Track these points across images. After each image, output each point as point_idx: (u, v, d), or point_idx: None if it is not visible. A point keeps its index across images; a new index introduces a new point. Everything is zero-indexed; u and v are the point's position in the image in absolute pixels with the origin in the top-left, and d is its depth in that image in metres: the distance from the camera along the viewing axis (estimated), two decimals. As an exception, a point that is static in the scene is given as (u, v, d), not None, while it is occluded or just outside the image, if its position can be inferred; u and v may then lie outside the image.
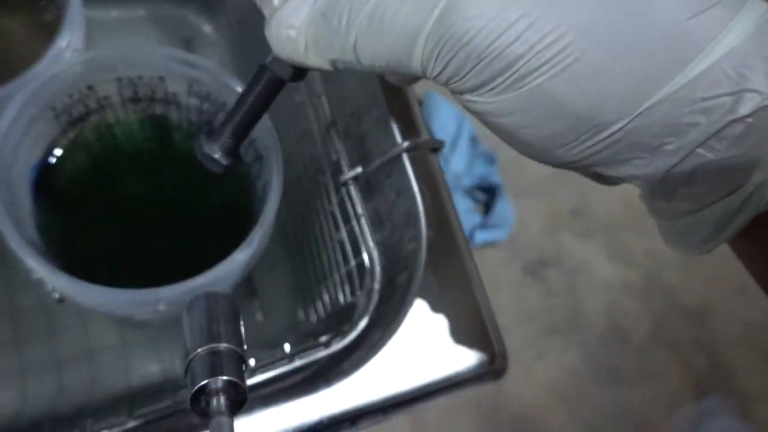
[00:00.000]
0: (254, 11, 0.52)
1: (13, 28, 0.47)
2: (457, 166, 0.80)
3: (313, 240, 0.48)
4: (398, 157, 0.39)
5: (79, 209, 0.42)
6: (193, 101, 0.42)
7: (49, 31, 0.46)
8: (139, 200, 0.44)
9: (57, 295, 0.38)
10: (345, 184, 0.41)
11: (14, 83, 0.36)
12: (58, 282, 0.32)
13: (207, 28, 0.57)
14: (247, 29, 0.54)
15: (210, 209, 0.45)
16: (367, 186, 0.42)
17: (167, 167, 0.45)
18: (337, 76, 0.44)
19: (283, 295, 0.50)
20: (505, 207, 0.82)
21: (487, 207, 0.84)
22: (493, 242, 0.83)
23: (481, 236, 0.81)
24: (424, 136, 0.39)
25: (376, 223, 0.41)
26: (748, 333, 0.97)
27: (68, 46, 0.38)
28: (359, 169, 0.40)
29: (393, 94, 0.40)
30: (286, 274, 0.52)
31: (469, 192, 0.83)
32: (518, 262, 0.85)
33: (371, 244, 0.40)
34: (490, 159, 0.84)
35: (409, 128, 0.40)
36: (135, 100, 0.42)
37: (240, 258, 0.35)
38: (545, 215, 0.89)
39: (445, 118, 0.85)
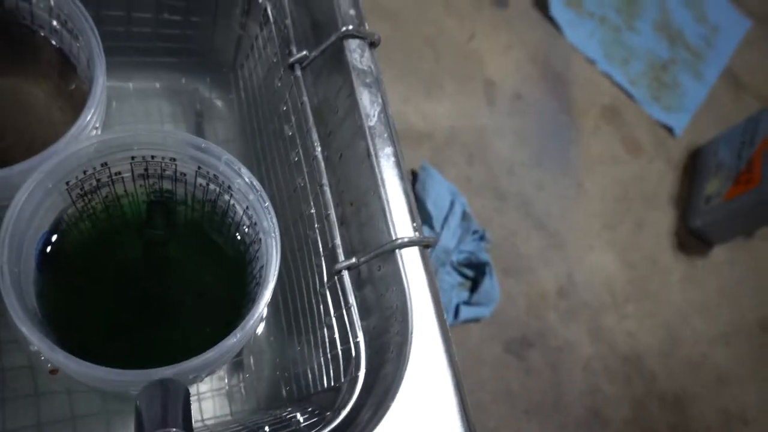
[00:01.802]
0: (261, 90, 0.55)
1: (37, 94, 0.49)
2: (448, 241, 0.83)
3: (302, 319, 0.49)
4: (392, 251, 0.41)
5: (80, 280, 0.43)
6: (200, 181, 0.44)
7: (71, 99, 0.49)
8: (139, 274, 0.46)
9: (49, 365, 0.39)
10: (339, 272, 0.42)
11: (36, 158, 0.38)
12: (54, 357, 0.34)
13: (218, 103, 0.60)
14: (254, 106, 0.56)
15: (207, 287, 0.47)
16: (360, 275, 0.44)
17: (169, 241, 0.47)
18: (342, 166, 0.47)
19: (268, 371, 0.51)
20: (491, 284, 0.84)
21: (474, 283, 0.86)
22: (478, 318, 0.84)
23: (465, 312, 0.82)
24: (418, 233, 0.41)
25: (365, 312, 0.43)
26: (726, 423, 0.98)
27: (89, 125, 0.40)
28: (353, 260, 0.42)
29: (392, 187, 0.43)
30: (273, 350, 0.53)
31: (458, 267, 0.85)
32: (501, 340, 0.86)
33: (359, 334, 0.41)
34: (479, 236, 0.86)
35: (405, 223, 0.42)
36: (145, 176, 0.44)
37: (233, 342, 0.36)
38: (531, 294, 0.91)
39: (439, 193, 0.87)
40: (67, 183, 0.40)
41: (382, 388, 0.38)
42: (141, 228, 0.46)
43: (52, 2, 0.43)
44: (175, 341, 0.45)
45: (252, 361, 0.52)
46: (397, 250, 0.41)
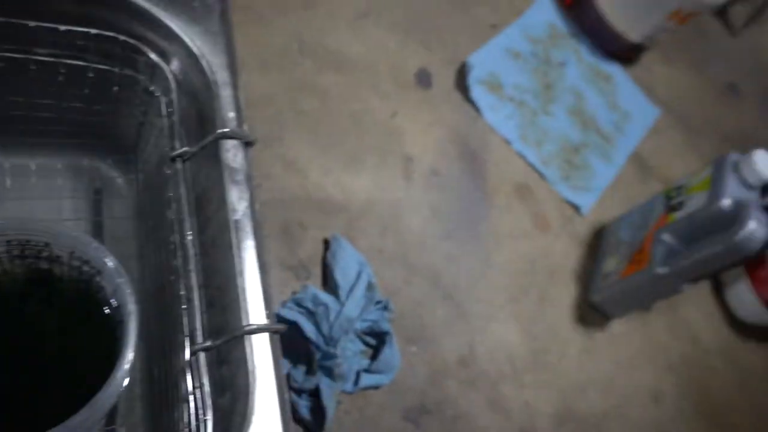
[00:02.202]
0: (155, 175, 0.59)
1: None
2: (351, 311, 0.87)
3: (170, 389, 0.52)
4: (242, 336, 0.45)
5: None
6: (75, 263, 0.48)
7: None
8: (16, 345, 0.49)
9: None
10: (195, 353, 0.46)
11: None
12: None
13: (119, 181, 0.64)
14: (150, 188, 0.61)
15: (79, 358, 0.50)
16: (219, 355, 0.48)
17: (47, 316, 0.50)
18: (213, 252, 0.51)
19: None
20: (391, 353, 0.88)
21: (376, 351, 0.90)
22: (378, 386, 0.88)
23: (366, 379, 0.86)
24: (269, 321, 0.46)
25: (220, 391, 0.47)
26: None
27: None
28: (209, 342, 0.46)
29: (251, 277, 0.47)
30: (147, 415, 0.56)
31: (360, 335, 0.89)
32: (400, 407, 0.90)
33: (209, 413, 0.45)
34: (383, 305, 0.91)
35: (258, 310, 0.46)
36: (22, 257, 0.48)
37: (100, 401, 0.39)
38: (433, 363, 0.95)
39: (347, 263, 0.92)
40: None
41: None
42: (14, 305, 0.50)
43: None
44: (46, 410, 0.48)
45: (127, 425, 0.55)
46: (246, 336, 0.45)
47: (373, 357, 0.90)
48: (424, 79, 1.25)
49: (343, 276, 0.91)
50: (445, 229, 1.10)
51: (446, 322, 1.00)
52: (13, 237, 0.46)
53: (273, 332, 0.46)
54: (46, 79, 0.55)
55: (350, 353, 0.87)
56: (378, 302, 0.91)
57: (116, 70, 0.57)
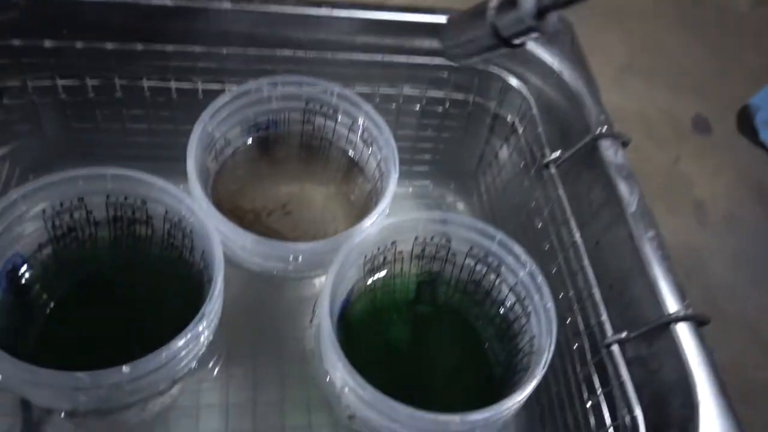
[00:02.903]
0: (505, 193, 0.60)
1: (320, 196, 0.59)
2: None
3: (556, 401, 0.50)
4: (665, 326, 0.42)
5: (360, 351, 0.49)
6: (469, 261, 0.49)
7: (352, 198, 0.58)
8: (407, 350, 0.51)
9: (348, 410, 0.43)
10: (608, 346, 0.44)
11: (343, 235, 0.46)
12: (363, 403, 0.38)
13: (460, 205, 0.67)
14: (497, 207, 0.62)
15: (463, 363, 0.50)
16: (623, 353, 0.45)
17: (433, 319, 0.52)
18: (598, 251, 0.49)
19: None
20: None
21: None
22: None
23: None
24: (691, 310, 0.42)
25: (639, 384, 0.43)
26: None
27: (384, 211, 0.48)
28: (623, 334, 0.43)
29: (658, 267, 0.44)
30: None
31: None
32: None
33: (636, 409, 0.41)
34: None
35: (675, 300, 0.43)
36: (420, 256, 0.50)
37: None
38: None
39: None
40: (365, 257, 0.47)
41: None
42: (408, 306, 0.52)
43: (359, 122, 0.53)
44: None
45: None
46: (672, 325, 0.41)
47: None
48: (701, 124, 1.17)
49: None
50: (754, 276, 0.97)
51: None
52: (421, 234, 0.48)
53: (698, 323, 0.42)
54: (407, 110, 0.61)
55: None
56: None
57: (470, 98, 0.61)
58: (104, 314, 0.48)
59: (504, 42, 0.36)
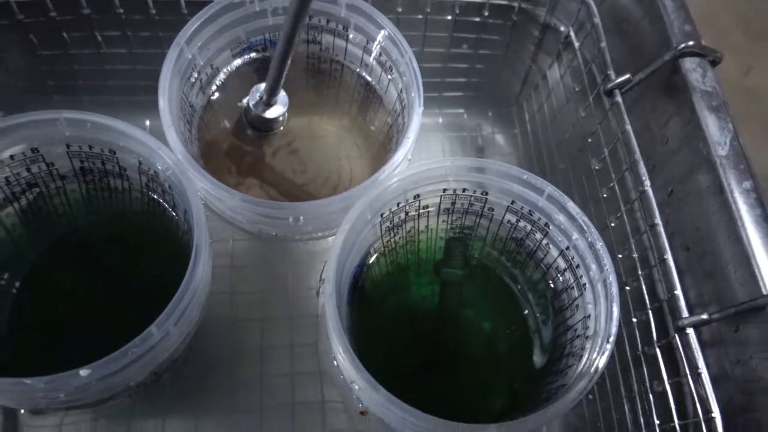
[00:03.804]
0: (554, 123, 0.50)
1: (331, 130, 0.50)
2: None
3: (609, 397, 0.42)
4: (762, 309, 0.33)
5: (378, 318, 0.42)
6: (509, 217, 0.40)
7: (368, 132, 0.49)
8: (433, 316, 0.43)
9: (360, 406, 0.37)
10: (682, 329, 0.35)
11: (356, 189, 0.37)
12: (375, 398, 0.31)
13: (500, 138, 0.57)
14: (544, 140, 0.52)
15: (498, 334, 0.42)
16: (700, 336, 0.36)
17: (464, 283, 0.44)
18: (672, 204, 0.40)
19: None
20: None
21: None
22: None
23: None
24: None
25: (711, 382, 0.35)
26: None
27: (407, 155, 0.39)
28: (704, 316, 0.35)
29: (755, 230, 0.35)
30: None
31: None
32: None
33: (714, 407, 0.33)
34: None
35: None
36: (450, 211, 0.41)
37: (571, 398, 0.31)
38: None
39: None
40: (382, 215, 0.39)
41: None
42: (436, 267, 0.44)
43: (378, 40, 0.43)
44: (471, 393, 0.42)
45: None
46: (769, 309, 0.32)
47: None
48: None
49: None
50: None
51: None
52: (450, 185, 0.39)
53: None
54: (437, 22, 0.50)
55: None
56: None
57: (515, 4, 0.49)
58: (84, 280, 0.42)
59: None
